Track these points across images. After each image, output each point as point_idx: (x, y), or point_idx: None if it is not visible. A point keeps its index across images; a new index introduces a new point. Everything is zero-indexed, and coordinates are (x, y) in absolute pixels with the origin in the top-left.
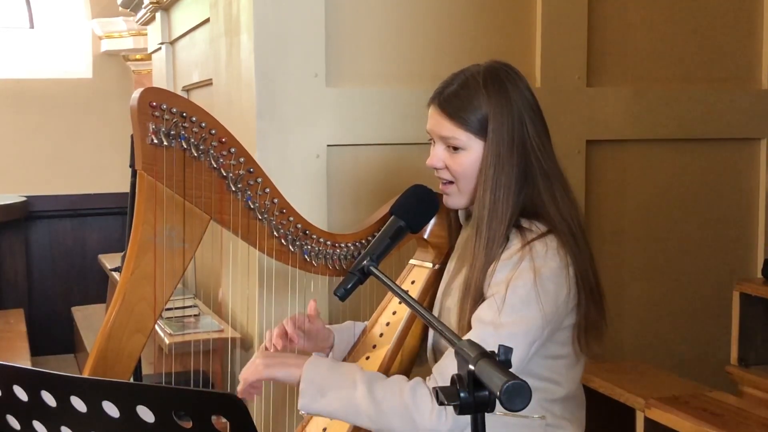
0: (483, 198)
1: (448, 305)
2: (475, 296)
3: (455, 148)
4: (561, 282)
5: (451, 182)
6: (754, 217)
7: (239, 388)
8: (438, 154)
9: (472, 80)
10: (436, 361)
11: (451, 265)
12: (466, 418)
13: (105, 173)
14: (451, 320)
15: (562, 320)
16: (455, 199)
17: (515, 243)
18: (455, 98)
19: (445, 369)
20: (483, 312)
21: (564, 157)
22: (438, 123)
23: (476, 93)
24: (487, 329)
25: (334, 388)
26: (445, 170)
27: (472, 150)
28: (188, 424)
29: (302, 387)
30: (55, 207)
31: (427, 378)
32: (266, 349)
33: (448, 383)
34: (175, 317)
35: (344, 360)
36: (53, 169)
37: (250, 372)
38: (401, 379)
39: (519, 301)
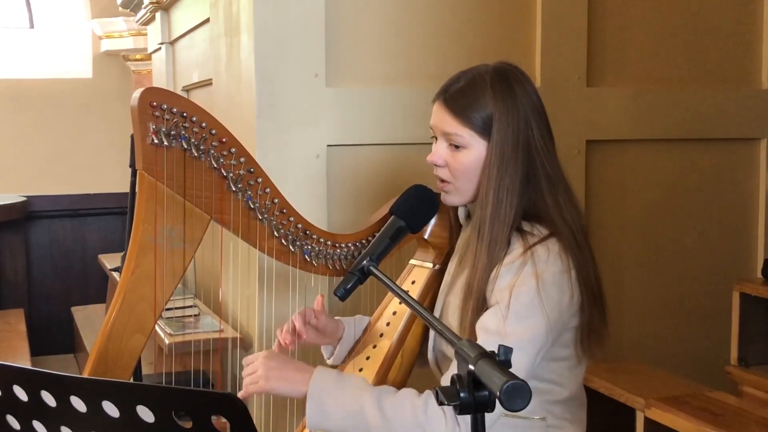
0: (486, 198)
1: (451, 306)
2: (477, 299)
3: (456, 146)
4: (563, 286)
5: (447, 181)
6: (754, 217)
7: (240, 394)
8: (439, 151)
9: (480, 79)
10: (438, 363)
11: (452, 266)
12: None
13: (105, 173)
14: (453, 322)
15: (566, 324)
16: (452, 197)
17: (517, 247)
18: (461, 96)
19: None
20: (487, 321)
21: (564, 157)
22: (442, 119)
23: (483, 92)
24: (493, 339)
25: (342, 405)
26: (444, 168)
27: (474, 149)
28: (188, 424)
29: (309, 405)
30: (55, 207)
31: None
32: (279, 346)
33: None
34: (175, 317)
35: (344, 360)
36: (53, 169)
37: (252, 385)
38: (412, 394)
39: (523, 309)
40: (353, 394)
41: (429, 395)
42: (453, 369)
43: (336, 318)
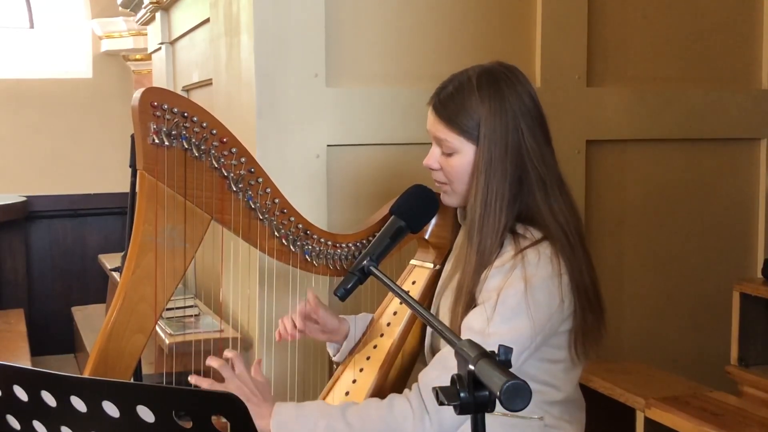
0: (474, 204)
1: (443, 307)
2: (466, 301)
3: (449, 152)
4: (553, 291)
5: (445, 182)
6: (754, 217)
7: (192, 379)
8: (434, 155)
9: (467, 83)
10: None
11: (448, 266)
12: (451, 422)
13: (105, 173)
14: (444, 322)
15: (556, 327)
16: (450, 198)
17: (508, 250)
18: (450, 101)
19: (430, 378)
20: (472, 320)
21: (564, 157)
22: (433, 125)
23: (470, 97)
24: (475, 338)
25: (309, 430)
26: (440, 172)
27: (465, 153)
28: (188, 424)
29: None
30: (55, 207)
31: (405, 390)
32: (279, 336)
33: (430, 392)
34: (176, 317)
35: (345, 361)
36: (53, 169)
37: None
38: (374, 400)
39: (509, 311)
40: (316, 416)
41: (392, 396)
42: (433, 364)
43: (341, 316)
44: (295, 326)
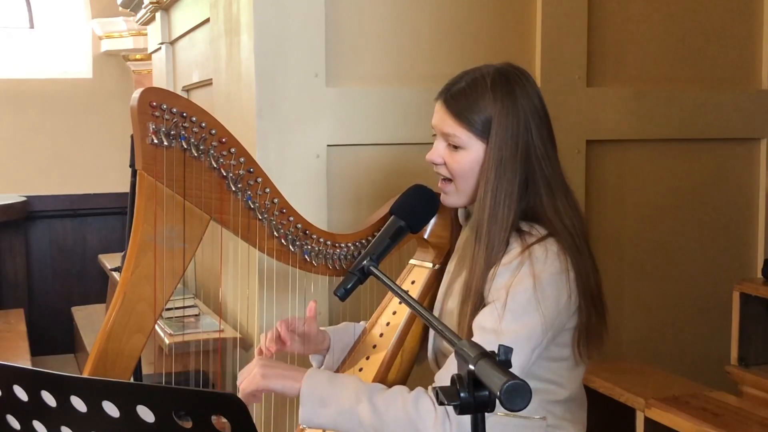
0: (483, 202)
1: (449, 307)
2: (475, 300)
3: (455, 146)
4: (561, 286)
5: (449, 180)
6: (754, 217)
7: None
8: (438, 150)
9: (481, 80)
10: (437, 363)
11: (451, 266)
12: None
13: (105, 173)
14: (452, 323)
15: (564, 323)
16: (453, 198)
17: (515, 247)
18: (462, 97)
19: (446, 381)
20: (484, 319)
21: (564, 157)
22: (442, 119)
23: (483, 94)
24: (489, 337)
25: (335, 400)
26: (443, 167)
27: (472, 150)
28: (188, 424)
29: (302, 400)
30: (55, 207)
31: (429, 387)
32: (260, 352)
33: None
34: (175, 317)
35: (344, 360)
36: (53, 169)
37: (248, 383)
38: (403, 389)
39: (519, 308)
40: (345, 390)
41: (419, 391)
42: (448, 366)
43: (321, 329)
44: (279, 340)
